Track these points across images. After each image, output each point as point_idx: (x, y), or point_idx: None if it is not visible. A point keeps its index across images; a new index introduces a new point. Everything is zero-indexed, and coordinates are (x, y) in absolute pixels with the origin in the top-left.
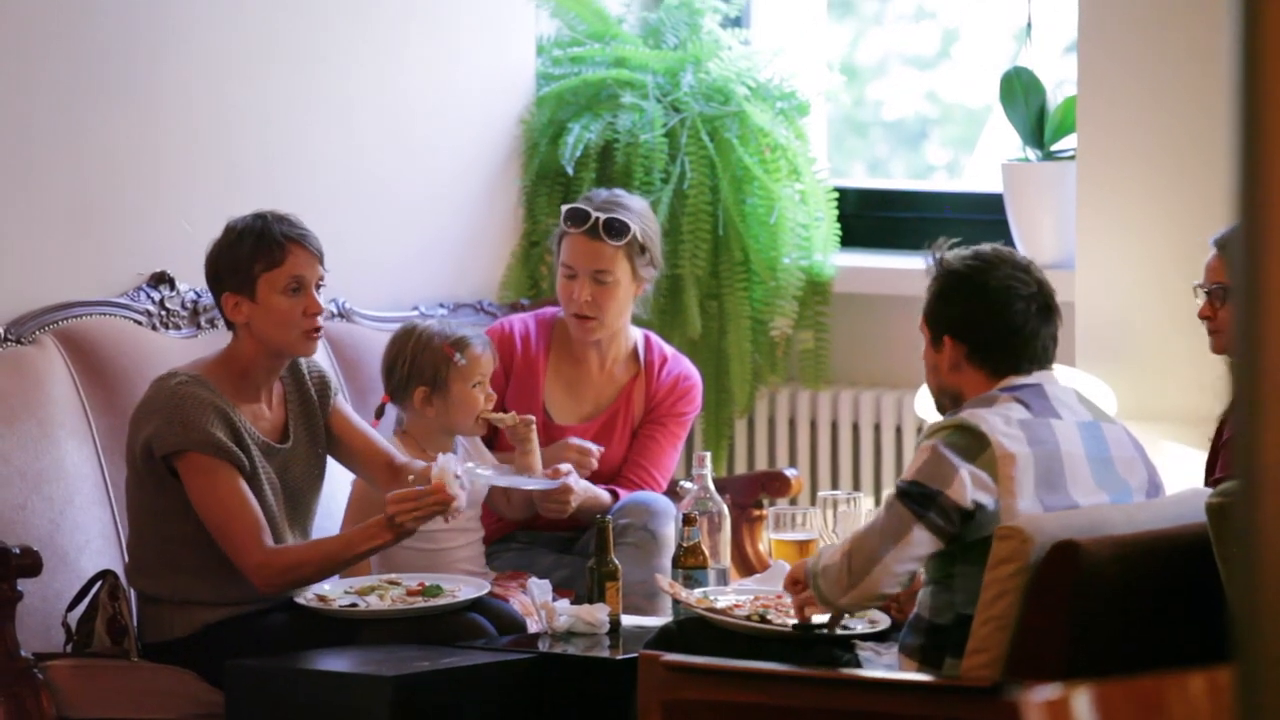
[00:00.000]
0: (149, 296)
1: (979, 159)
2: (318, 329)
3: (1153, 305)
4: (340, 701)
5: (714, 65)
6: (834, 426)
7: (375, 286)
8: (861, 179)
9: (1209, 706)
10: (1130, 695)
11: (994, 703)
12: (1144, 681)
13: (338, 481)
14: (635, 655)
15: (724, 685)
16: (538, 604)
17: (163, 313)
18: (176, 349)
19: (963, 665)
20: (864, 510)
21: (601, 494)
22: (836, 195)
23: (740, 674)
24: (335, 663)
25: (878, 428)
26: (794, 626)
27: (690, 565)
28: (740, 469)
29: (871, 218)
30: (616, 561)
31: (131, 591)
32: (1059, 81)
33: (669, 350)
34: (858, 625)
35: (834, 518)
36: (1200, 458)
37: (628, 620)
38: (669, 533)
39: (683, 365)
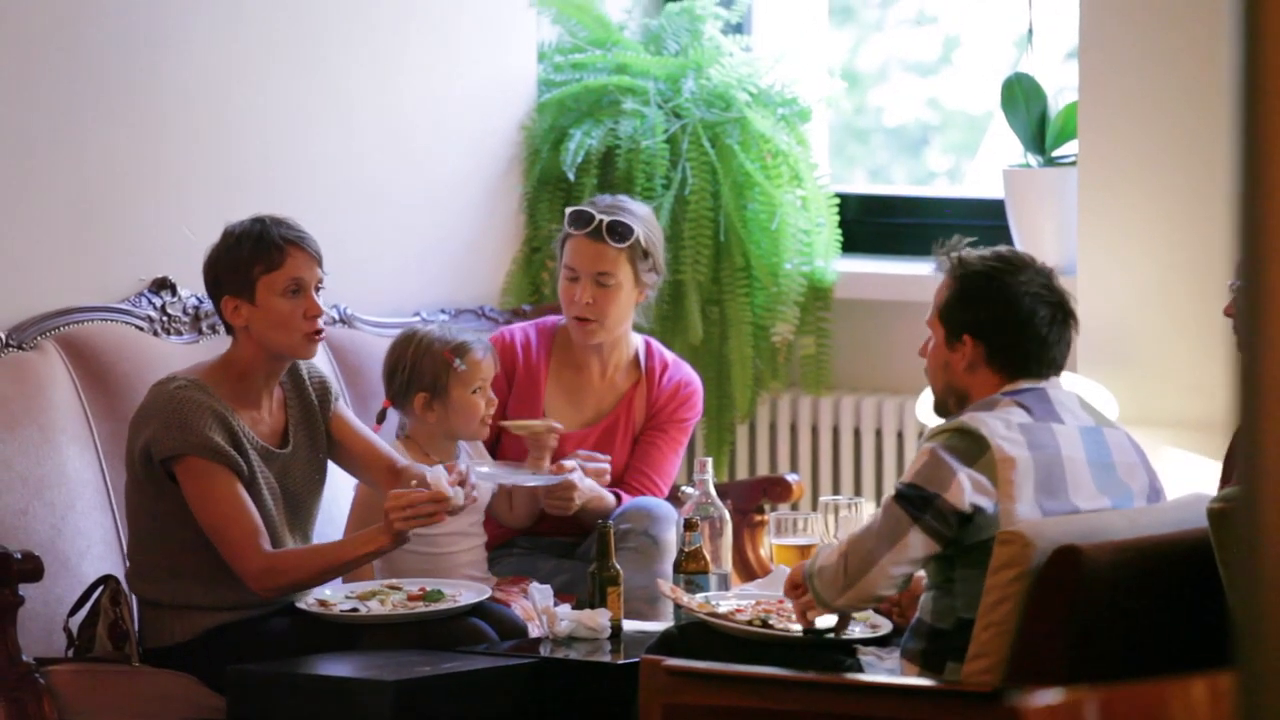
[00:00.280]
0: (150, 302)
1: (980, 165)
2: (318, 331)
3: (1154, 311)
4: (341, 706)
5: (715, 71)
6: (835, 432)
7: (376, 292)
8: (863, 185)
9: (1210, 712)
10: (1131, 700)
11: (995, 708)
12: (1145, 687)
13: (339, 487)
14: (637, 660)
15: (725, 690)
16: (539, 609)
17: (164, 318)
18: (178, 354)
19: (964, 670)
20: (865, 515)
21: (606, 494)
22: (838, 201)
23: (742, 679)
24: (336, 667)
25: (879, 433)
26: (804, 632)
27: (692, 570)
28: (742, 474)
29: (873, 223)
30: (618, 566)
31: (132, 596)
32: (1060, 87)
33: (670, 356)
34: (859, 630)
35: (835, 523)
36: (1201, 462)
37: (629, 625)
38: (670, 538)
39: (684, 371)
